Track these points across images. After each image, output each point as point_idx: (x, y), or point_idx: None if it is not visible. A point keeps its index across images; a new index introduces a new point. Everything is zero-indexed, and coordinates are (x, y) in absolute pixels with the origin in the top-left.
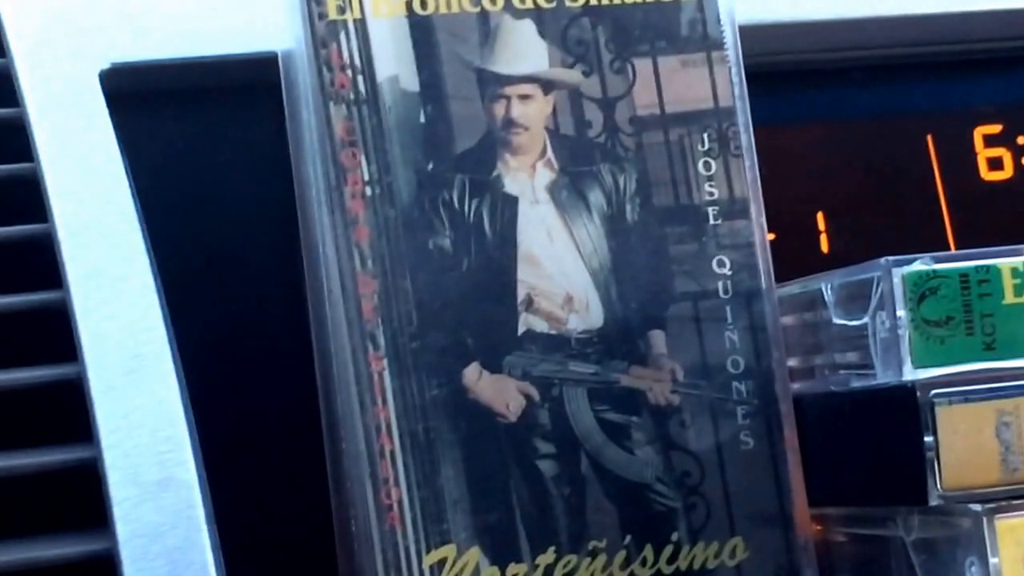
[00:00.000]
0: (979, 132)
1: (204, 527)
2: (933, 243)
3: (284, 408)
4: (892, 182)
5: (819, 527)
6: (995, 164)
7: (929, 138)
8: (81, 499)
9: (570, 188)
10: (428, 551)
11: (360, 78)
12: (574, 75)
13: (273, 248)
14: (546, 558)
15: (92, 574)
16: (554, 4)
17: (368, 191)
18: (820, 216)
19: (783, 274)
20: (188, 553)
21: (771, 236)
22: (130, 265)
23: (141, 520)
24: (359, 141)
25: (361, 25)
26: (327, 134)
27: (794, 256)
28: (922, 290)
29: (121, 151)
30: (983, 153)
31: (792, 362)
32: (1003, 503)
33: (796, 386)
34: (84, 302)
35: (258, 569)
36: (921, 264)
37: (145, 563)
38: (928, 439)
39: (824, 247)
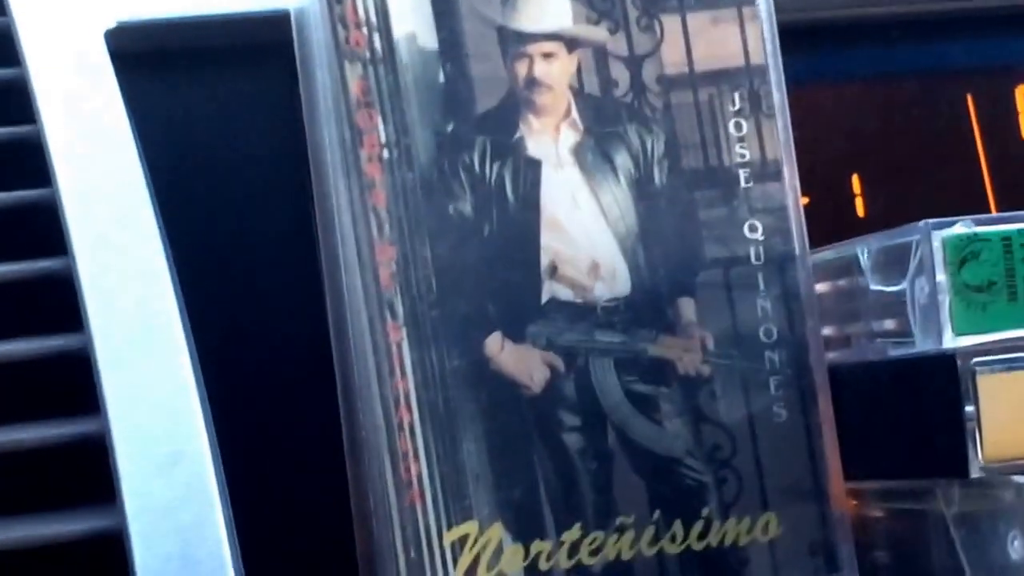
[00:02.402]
0: (1021, 91)
1: (217, 503)
2: (973, 206)
3: (299, 381)
4: (930, 143)
5: (855, 502)
6: None
7: (969, 97)
8: (89, 474)
9: (595, 150)
10: (449, 528)
11: (376, 36)
12: (599, 32)
13: (286, 215)
14: (572, 535)
15: (101, 551)
16: None
17: (385, 154)
18: (855, 179)
19: (817, 239)
20: (201, 530)
21: (804, 200)
22: (138, 231)
23: (151, 496)
24: (375, 101)
25: None
26: (342, 94)
27: (828, 221)
28: (963, 254)
29: (127, 113)
30: None
31: (827, 331)
32: None
33: (831, 355)
34: (90, 270)
35: (273, 547)
36: (962, 227)
37: (156, 540)
38: (969, 409)
39: (860, 211)
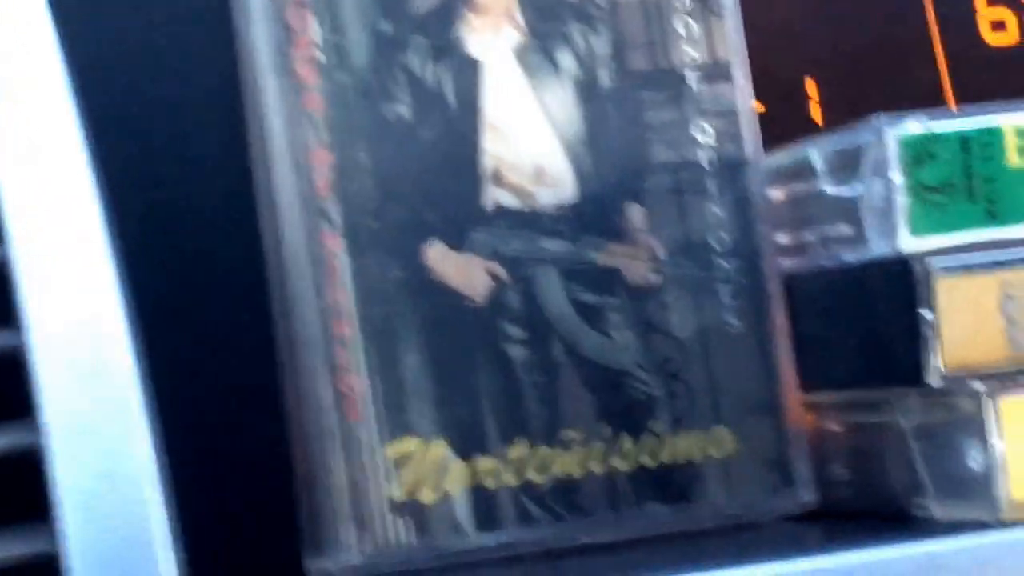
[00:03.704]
0: None
1: (142, 418)
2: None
3: (232, 293)
4: (887, 46)
5: (811, 415)
6: (998, 26)
7: None
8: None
9: (538, 51)
10: (390, 444)
11: None
12: None
13: (217, 121)
14: (518, 451)
15: (20, 471)
16: None
17: (319, 55)
18: (810, 82)
19: (770, 146)
20: (125, 446)
21: (757, 105)
22: (62, 141)
23: (73, 412)
24: (308, 0)
25: None
26: None
27: (782, 126)
28: (919, 153)
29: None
30: (985, 14)
31: (781, 237)
32: (1008, 382)
33: (785, 263)
34: (11, 182)
35: (205, 466)
36: (917, 125)
37: (78, 457)
38: (926, 314)
39: (815, 116)
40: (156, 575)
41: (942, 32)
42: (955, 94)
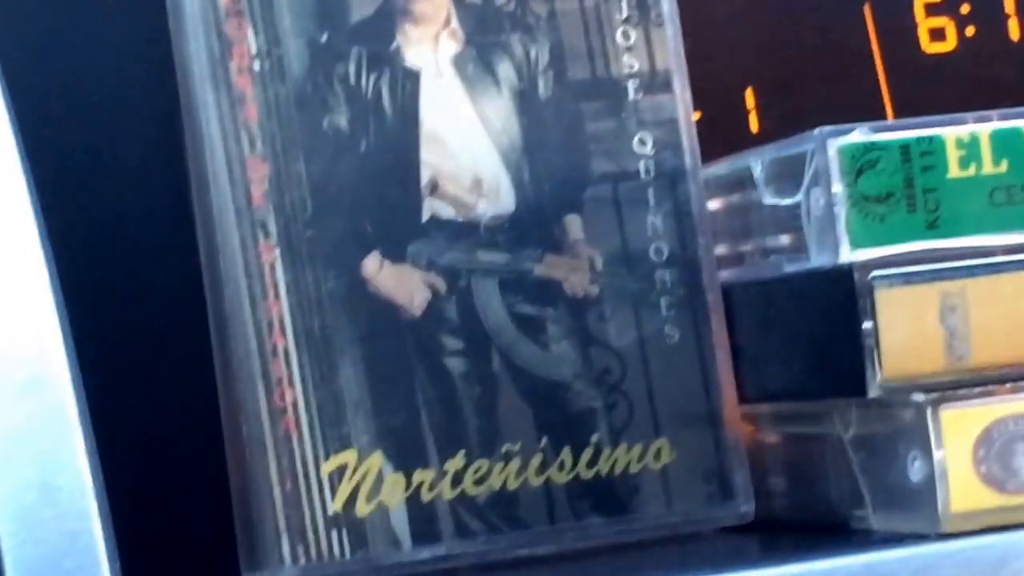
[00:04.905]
0: (920, 0)
1: (78, 429)
2: (871, 121)
3: (167, 304)
4: (827, 56)
5: (750, 426)
6: (937, 35)
7: (867, 7)
8: None
9: (477, 61)
10: (327, 457)
11: None
12: None
13: (152, 132)
14: (455, 463)
15: None
16: None
17: (256, 65)
18: (749, 92)
19: (709, 157)
20: (60, 456)
21: (696, 115)
22: None
23: (7, 422)
24: (245, 10)
25: None
26: (210, 2)
27: (721, 137)
28: (860, 163)
29: None
30: (924, 23)
31: (720, 249)
32: (948, 392)
33: (724, 274)
34: None
35: (139, 477)
36: (859, 135)
37: (12, 467)
38: (867, 325)
39: (753, 126)
40: None
41: (881, 42)
42: (894, 104)
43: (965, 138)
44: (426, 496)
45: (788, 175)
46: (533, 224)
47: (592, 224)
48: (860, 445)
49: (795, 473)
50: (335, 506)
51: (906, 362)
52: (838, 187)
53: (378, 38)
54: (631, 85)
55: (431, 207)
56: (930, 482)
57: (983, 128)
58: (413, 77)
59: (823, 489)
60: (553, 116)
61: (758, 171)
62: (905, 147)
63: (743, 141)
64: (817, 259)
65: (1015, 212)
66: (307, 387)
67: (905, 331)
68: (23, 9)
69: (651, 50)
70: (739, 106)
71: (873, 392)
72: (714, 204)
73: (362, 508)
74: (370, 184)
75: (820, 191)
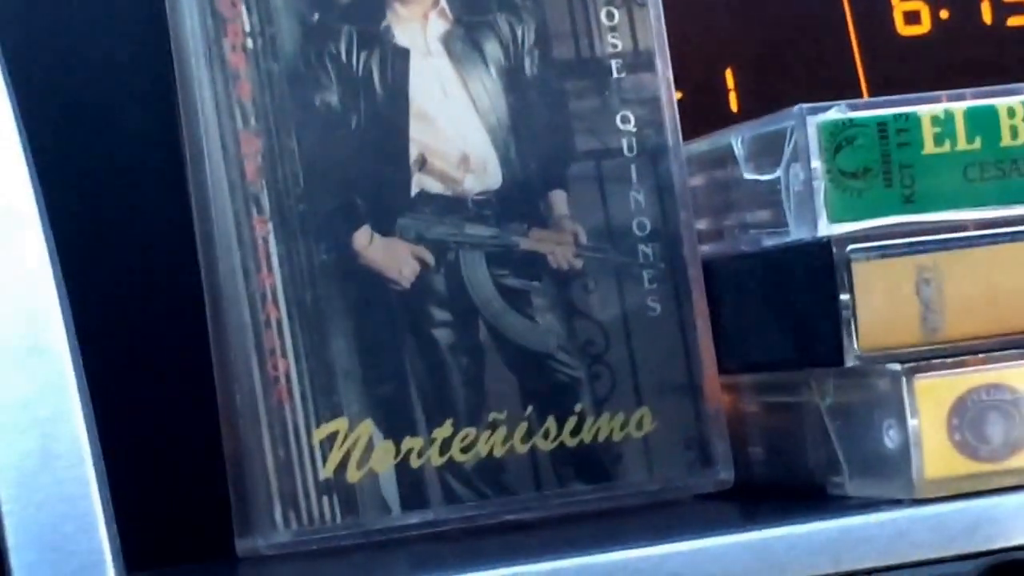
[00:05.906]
0: None
1: (76, 397)
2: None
3: (162, 276)
4: (804, 37)
5: (730, 396)
6: (911, 18)
7: None
8: None
9: (465, 39)
10: (318, 425)
11: None
12: None
13: (148, 107)
14: (443, 431)
15: None
16: None
17: (249, 43)
18: (729, 72)
19: (690, 135)
20: (59, 424)
21: (678, 95)
22: None
23: (7, 390)
24: None
25: None
26: None
27: (701, 115)
28: (838, 140)
29: None
30: (900, 6)
31: (701, 223)
32: (923, 363)
33: (705, 248)
34: None
35: (136, 446)
36: (837, 112)
37: (12, 436)
38: (844, 297)
39: (733, 105)
40: (93, 551)
41: (858, 25)
42: (869, 86)
43: (940, 116)
44: (415, 463)
45: (768, 152)
46: (519, 199)
47: (576, 199)
48: (837, 414)
49: (773, 441)
50: (326, 472)
51: (882, 333)
52: (817, 163)
53: (368, 17)
54: (614, 64)
55: (420, 182)
56: (905, 449)
57: (958, 106)
58: (403, 55)
59: (801, 456)
60: (538, 94)
61: (739, 147)
62: (882, 124)
63: (723, 120)
64: (796, 233)
65: (989, 188)
66: (299, 357)
67: (881, 303)
68: None
69: (634, 30)
70: (719, 86)
71: (850, 362)
72: (696, 180)
73: (352, 474)
74: (361, 159)
75: (799, 167)
